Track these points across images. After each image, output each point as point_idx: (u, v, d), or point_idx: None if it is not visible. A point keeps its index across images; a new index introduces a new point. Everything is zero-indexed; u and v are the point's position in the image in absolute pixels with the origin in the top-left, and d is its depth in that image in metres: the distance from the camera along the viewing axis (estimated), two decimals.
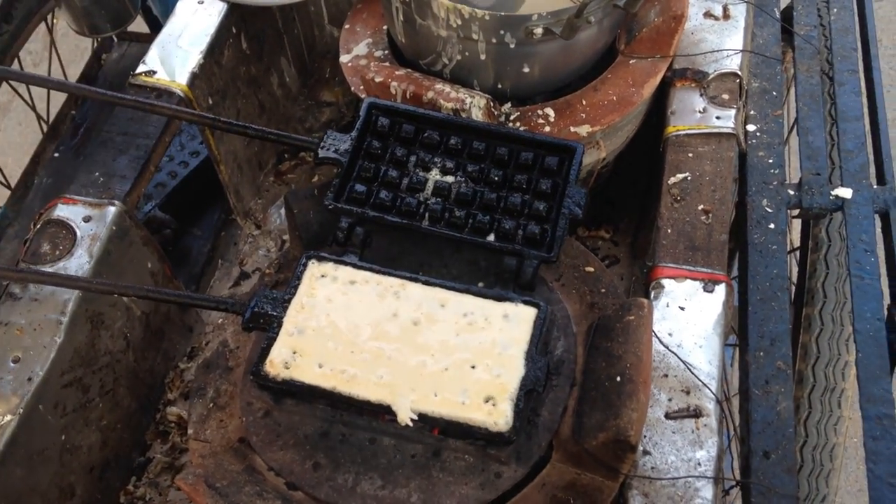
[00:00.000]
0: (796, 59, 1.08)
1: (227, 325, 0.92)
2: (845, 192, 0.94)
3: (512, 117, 1.02)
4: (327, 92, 1.42)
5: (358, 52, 1.10)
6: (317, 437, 0.80)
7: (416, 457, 0.78)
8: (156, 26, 1.65)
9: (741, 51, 1.04)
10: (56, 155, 1.37)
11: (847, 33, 1.10)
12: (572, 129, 1.00)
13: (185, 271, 1.24)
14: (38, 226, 0.95)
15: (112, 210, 0.96)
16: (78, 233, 0.94)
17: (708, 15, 1.08)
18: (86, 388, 0.93)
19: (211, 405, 0.85)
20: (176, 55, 1.11)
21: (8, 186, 1.37)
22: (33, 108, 1.47)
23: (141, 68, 1.09)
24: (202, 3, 1.17)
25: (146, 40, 1.54)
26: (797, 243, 1.18)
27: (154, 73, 1.09)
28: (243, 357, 0.88)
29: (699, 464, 0.76)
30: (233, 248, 1.28)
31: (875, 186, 0.96)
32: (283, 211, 1.28)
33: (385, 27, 1.11)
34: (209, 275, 1.25)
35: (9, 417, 0.82)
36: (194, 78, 1.10)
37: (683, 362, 0.80)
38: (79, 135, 1.39)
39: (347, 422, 0.80)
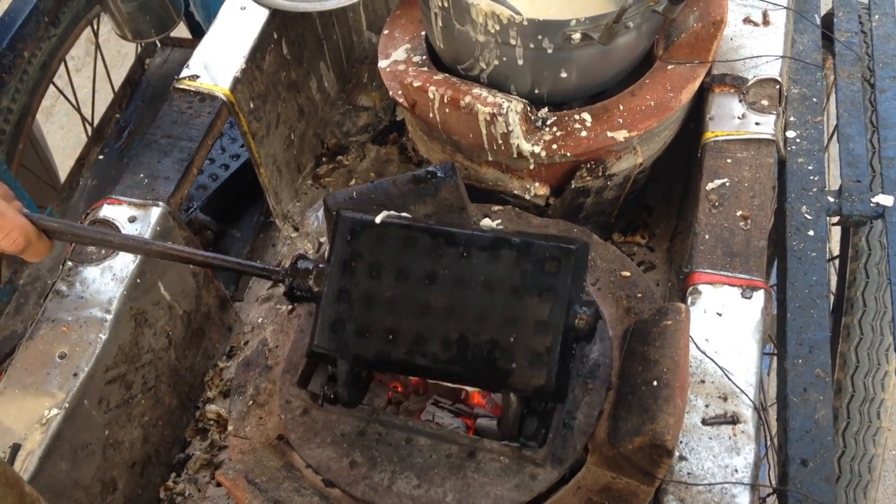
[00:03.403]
0: (837, 65, 1.07)
1: (267, 325, 0.94)
2: (886, 200, 0.93)
3: (549, 122, 1.02)
4: (365, 96, 1.43)
5: (396, 57, 1.12)
6: (354, 436, 0.81)
7: (451, 457, 0.79)
8: (198, 31, 1.68)
9: (781, 57, 1.03)
10: (101, 157, 1.40)
11: (889, 40, 1.09)
12: (609, 133, 1.01)
13: (223, 273, 1.26)
14: (85, 225, 0.98)
15: (156, 211, 0.99)
16: (123, 232, 0.96)
17: (747, 21, 1.08)
18: (129, 384, 0.95)
19: (251, 402, 0.86)
20: (219, 60, 1.13)
21: (54, 187, 1.40)
22: (79, 110, 1.50)
23: (185, 73, 1.12)
24: (245, 8, 1.19)
25: (189, 45, 1.57)
26: (836, 252, 1.17)
27: (197, 77, 1.11)
28: (282, 356, 0.89)
29: (736, 470, 0.75)
30: (271, 249, 1.30)
31: None
32: (320, 213, 1.29)
33: (423, 33, 1.13)
34: (247, 277, 1.27)
35: (55, 412, 0.85)
36: (236, 82, 1.12)
37: (721, 368, 0.80)
38: (123, 137, 1.42)
39: (384, 421, 0.81)
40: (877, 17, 1.12)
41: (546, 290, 0.75)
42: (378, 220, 0.82)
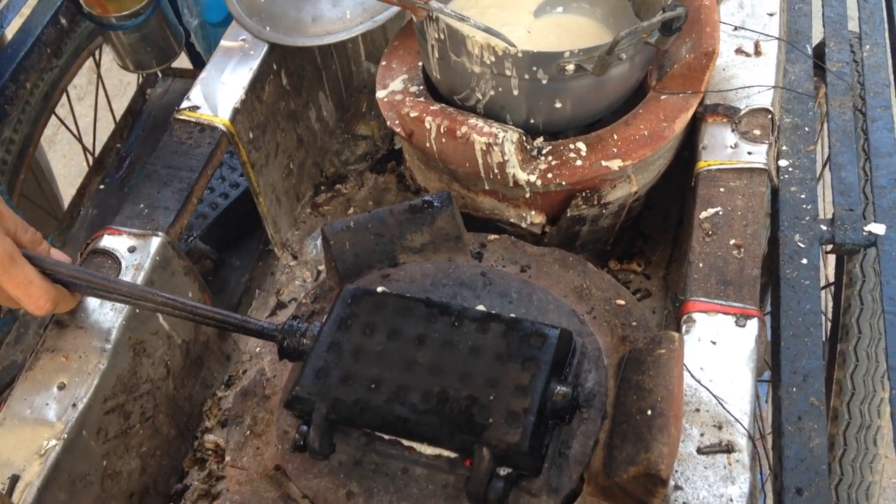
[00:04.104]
0: (829, 95, 1.08)
1: (265, 354, 0.94)
2: (879, 228, 0.94)
3: (544, 151, 1.03)
4: (363, 126, 1.45)
5: (394, 87, 1.13)
6: (350, 466, 0.81)
7: (447, 487, 0.79)
8: (199, 62, 1.70)
9: (773, 87, 1.04)
10: (101, 187, 1.41)
11: (880, 69, 1.10)
12: (604, 163, 1.02)
13: (223, 301, 1.27)
14: (85, 256, 0.99)
15: (156, 240, 1.00)
16: (123, 262, 0.97)
17: (739, 51, 1.09)
18: (127, 414, 0.95)
19: (248, 433, 0.87)
20: (219, 91, 1.15)
21: (55, 217, 1.42)
22: (80, 140, 1.52)
23: (185, 104, 1.13)
24: (245, 40, 1.20)
25: (189, 76, 1.59)
26: (832, 278, 1.18)
27: (198, 108, 1.13)
28: (280, 385, 0.89)
29: (731, 500, 0.76)
30: (270, 278, 1.30)
31: None
32: (319, 242, 1.30)
33: (420, 64, 1.14)
34: (246, 304, 1.28)
35: (53, 442, 0.85)
36: (236, 113, 1.13)
37: (715, 397, 0.81)
38: (123, 167, 1.43)
39: (380, 451, 0.81)
40: (868, 46, 1.14)
41: (529, 360, 0.79)
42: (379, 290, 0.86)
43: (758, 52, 1.09)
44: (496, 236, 1.03)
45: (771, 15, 1.12)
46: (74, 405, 0.87)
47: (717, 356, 0.84)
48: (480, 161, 1.03)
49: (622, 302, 0.92)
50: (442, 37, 1.00)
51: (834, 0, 1.19)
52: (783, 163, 1.01)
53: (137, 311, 0.95)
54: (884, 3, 1.21)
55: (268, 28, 1.20)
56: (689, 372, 0.82)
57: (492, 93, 1.02)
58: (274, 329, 0.86)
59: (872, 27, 1.16)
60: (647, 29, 0.94)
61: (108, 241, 1.00)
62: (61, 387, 0.89)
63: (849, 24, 1.19)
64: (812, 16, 1.19)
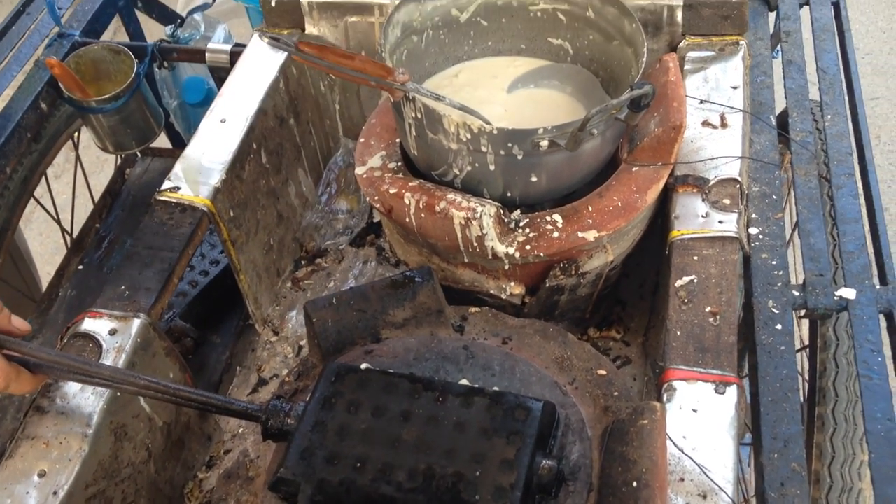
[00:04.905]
0: (794, 163, 1.12)
1: (248, 434, 0.94)
2: (849, 293, 0.97)
3: (522, 224, 1.05)
4: (343, 200, 1.47)
5: (372, 164, 1.15)
6: None
7: None
8: (178, 141, 1.72)
9: (740, 157, 1.08)
10: (80, 267, 1.41)
11: (842, 138, 1.14)
12: (580, 234, 1.04)
13: (203, 379, 1.26)
14: (66, 340, 0.98)
15: (137, 322, 1.00)
16: (104, 345, 0.97)
17: (706, 124, 1.13)
18: (108, 500, 0.93)
19: None
20: (199, 171, 1.16)
21: (32, 299, 1.41)
22: (58, 221, 1.52)
23: (166, 185, 1.14)
24: (224, 121, 1.23)
25: (168, 155, 1.61)
26: (807, 341, 1.20)
27: (178, 188, 1.14)
28: (264, 467, 0.89)
29: None
30: (250, 354, 1.30)
31: (878, 287, 0.98)
32: (300, 316, 1.31)
33: (398, 140, 1.17)
34: (227, 382, 1.27)
35: None
36: (217, 192, 1.14)
37: (699, 466, 0.81)
38: (103, 247, 1.44)
39: None
40: (829, 116, 1.18)
41: (514, 434, 0.80)
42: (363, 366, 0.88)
43: (724, 124, 1.12)
44: (477, 309, 1.05)
45: (735, 88, 1.16)
46: (55, 493, 0.86)
47: (699, 424, 0.85)
48: (459, 235, 1.05)
49: (603, 372, 0.93)
50: (419, 115, 1.02)
51: (794, 72, 1.24)
52: (753, 230, 1.04)
53: (119, 394, 0.94)
54: (842, 74, 1.25)
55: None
56: (672, 441, 0.83)
57: (469, 168, 1.04)
58: (257, 409, 0.86)
59: (833, 97, 1.21)
60: (616, 106, 0.97)
61: (88, 325, 0.99)
62: (42, 474, 0.87)
63: (809, 89, 1.24)
64: (773, 87, 1.24)
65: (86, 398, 0.93)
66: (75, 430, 0.90)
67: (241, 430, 1.08)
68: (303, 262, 1.39)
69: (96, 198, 1.61)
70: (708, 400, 0.87)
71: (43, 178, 1.45)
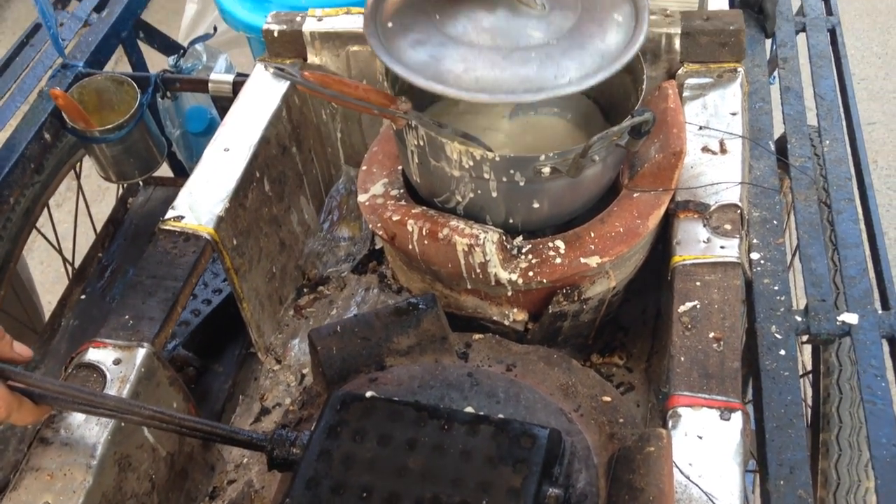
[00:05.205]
0: (793, 188, 1.12)
1: (252, 465, 0.94)
2: (851, 318, 0.97)
3: (524, 250, 1.06)
4: (345, 227, 1.47)
5: (375, 191, 1.16)
6: None
7: None
8: (180, 170, 1.73)
9: (739, 183, 1.08)
10: (83, 297, 1.41)
11: (840, 163, 1.15)
12: (582, 260, 1.04)
13: (206, 408, 1.26)
14: (70, 370, 0.98)
15: (141, 352, 1.00)
16: (108, 375, 0.97)
17: (706, 150, 1.14)
18: None
19: None
20: (203, 200, 1.17)
21: (34, 330, 1.41)
22: (60, 252, 1.52)
23: (170, 214, 1.15)
24: (228, 150, 1.23)
25: (171, 184, 1.62)
26: (809, 366, 1.20)
27: (182, 218, 1.15)
28: (269, 497, 0.89)
29: None
30: (253, 383, 1.30)
31: (880, 311, 0.99)
32: (302, 344, 1.31)
33: (400, 168, 1.17)
34: (230, 411, 1.27)
35: None
36: (220, 221, 1.15)
37: (706, 493, 0.81)
38: (105, 277, 1.44)
39: None
40: (827, 142, 1.19)
41: (520, 462, 0.80)
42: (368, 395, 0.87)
43: (723, 150, 1.13)
44: (481, 336, 1.05)
45: (733, 114, 1.17)
46: None
47: (705, 451, 0.85)
48: (462, 262, 1.05)
49: (608, 398, 0.93)
50: (421, 143, 1.03)
51: (792, 98, 1.25)
52: (755, 255, 1.05)
53: (123, 424, 0.94)
54: (839, 99, 1.27)
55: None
56: (679, 468, 0.83)
57: (471, 195, 1.05)
58: (263, 439, 0.86)
59: (831, 123, 1.22)
60: (617, 133, 0.98)
61: (93, 355, 0.99)
62: None
63: (807, 115, 1.25)
64: (772, 112, 1.25)
65: (90, 429, 0.93)
66: (79, 462, 0.90)
67: (245, 460, 1.07)
68: (305, 290, 1.39)
69: (98, 227, 1.61)
70: (713, 426, 0.87)
71: (44, 208, 1.46)
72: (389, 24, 1.01)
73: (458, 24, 0.98)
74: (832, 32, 1.39)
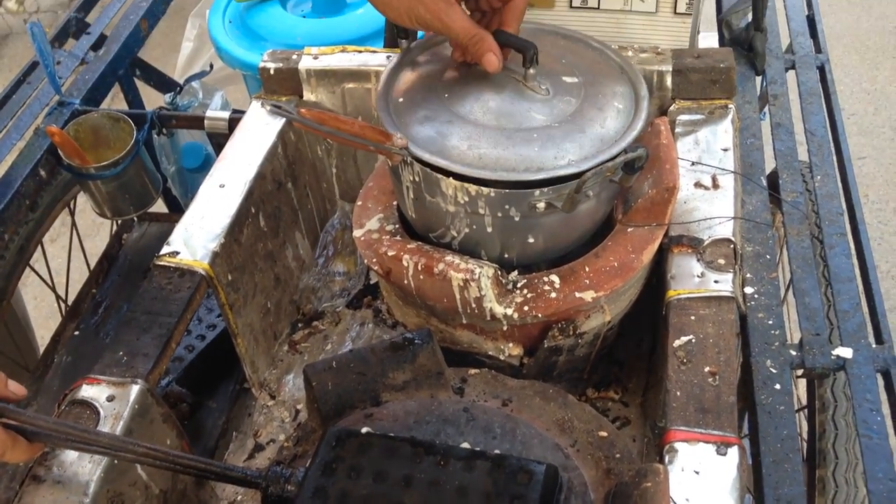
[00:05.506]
0: (786, 223, 1.13)
1: (246, 502, 0.93)
2: (846, 352, 0.97)
3: (519, 285, 1.06)
4: (340, 262, 1.47)
5: (370, 226, 1.16)
6: None
7: None
8: (175, 206, 1.74)
9: (732, 218, 1.09)
10: (76, 333, 1.41)
11: (832, 198, 1.16)
12: (577, 294, 1.04)
13: (199, 445, 1.25)
14: (63, 407, 0.98)
15: (135, 388, 0.99)
16: (101, 412, 0.96)
17: (698, 185, 1.15)
18: None
19: None
20: (198, 236, 1.17)
21: (26, 368, 1.40)
22: (53, 289, 1.52)
23: (165, 249, 1.15)
24: (223, 186, 1.24)
25: (165, 220, 1.62)
26: (804, 400, 1.20)
27: (177, 253, 1.15)
28: None
29: None
30: (247, 419, 1.29)
31: (874, 345, 0.99)
32: (296, 380, 1.30)
33: (395, 203, 1.18)
34: (223, 448, 1.26)
35: None
36: (215, 257, 1.15)
37: None
38: (99, 313, 1.43)
39: None
40: (819, 177, 1.20)
41: (517, 498, 0.79)
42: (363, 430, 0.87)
43: (716, 186, 1.14)
44: (476, 370, 1.05)
45: (725, 150, 1.18)
46: None
47: (702, 486, 0.85)
48: (458, 296, 1.05)
49: (605, 433, 0.93)
50: (417, 178, 1.04)
51: (783, 134, 1.27)
52: (748, 290, 1.05)
53: (116, 462, 0.94)
54: (830, 135, 1.28)
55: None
56: None
57: (466, 230, 1.05)
58: (257, 476, 0.85)
59: (821, 158, 1.23)
60: (611, 168, 0.99)
61: (86, 391, 0.99)
62: None
63: (798, 151, 1.26)
64: (763, 148, 1.26)
65: (83, 466, 0.92)
66: (72, 500, 0.89)
67: (239, 497, 1.06)
68: (300, 325, 1.39)
69: (91, 263, 1.61)
70: (710, 461, 0.86)
71: (38, 245, 1.46)
72: (400, 100, 1.06)
73: (465, 103, 1.02)
74: (821, 69, 1.41)
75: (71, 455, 0.92)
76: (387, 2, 0.97)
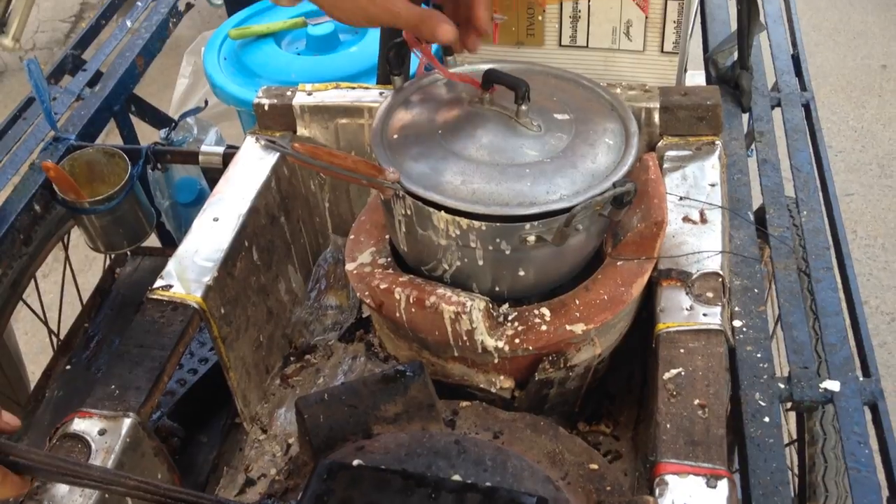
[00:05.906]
0: (773, 258, 1.15)
1: None
2: (834, 385, 0.98)
3: (510, 318, 1.07)
4: (332, 296, 1.48)
5: (363, 260, 1.17)
6: None
7: None
8: (168, 240, 1.74)
9: (720, 252, 1.11)
10: (68, 367, 1.41)
11: (818, 233, 1.18)
12: (568, 327, 1.05)
13: (190, 480, 1.24)
14: (55, 440, 0.98)
15: (127, 422, 0.99)
16: (93, 446, 0.96)
17: (686, 220, 1.17)
18: None
19: None
20: (192, 269, 1.18)
21: (17, 403, 1.39)
22: (46, 324, 1.52)
23: (158, 283, 1.16)
24: (217, 220, 1.25)
25: (159, 254, 1.63)
26: (794, 434, 1.20)
27: (170, 287, 1.15)
28: None
29: None
30: (238, 453, 1.29)
31: (861, 378, 1.00)
32: (287, 413, 1.30)
33: (387, 237, 1.19)
34: (214, 482, 1.25)
35: None
36: (208, 290, 1.16)
37: None
38: (90, 347, 1.43)
39: None
40: (805, 212, 1.22)
41: None
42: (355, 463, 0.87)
43: (703, 220, 1.16)
44: (468, 403, 1.05)
45: (713, 185, 1.20)
46: None
47: None
48: (449, 329, 1.06)
49: (595, 466, 0.93)
50: (409, 212, 1.05)
51: (769, 170, 1.29)
52: (737, 323, 1.06)
53: (107, 496, 0.93)
54: (815, 171, 1.30)
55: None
56: None
57: (458, 263, 1.07)
58: None
59: (808, 194, 1.25)
60: (600, 202, 1.00)
61: (78, 425, 0.99)
62: None
63: (784, 186, 1.28)
64: (750, 184, 1.28)
65: (74, 500, 0.91)
66: None
67: None
68: (292, 359, 1.39)
69: (84, 297, 1.61)
70: (700, 494, 0.87)
71: (31, 279, 1.46)
72: (395, 137, 1.08)
73: (459, 140, 1.04)
74: (806, 107, 1.44)
75: (62, 489, 0.92)
76: (335, 4, 0.97)
